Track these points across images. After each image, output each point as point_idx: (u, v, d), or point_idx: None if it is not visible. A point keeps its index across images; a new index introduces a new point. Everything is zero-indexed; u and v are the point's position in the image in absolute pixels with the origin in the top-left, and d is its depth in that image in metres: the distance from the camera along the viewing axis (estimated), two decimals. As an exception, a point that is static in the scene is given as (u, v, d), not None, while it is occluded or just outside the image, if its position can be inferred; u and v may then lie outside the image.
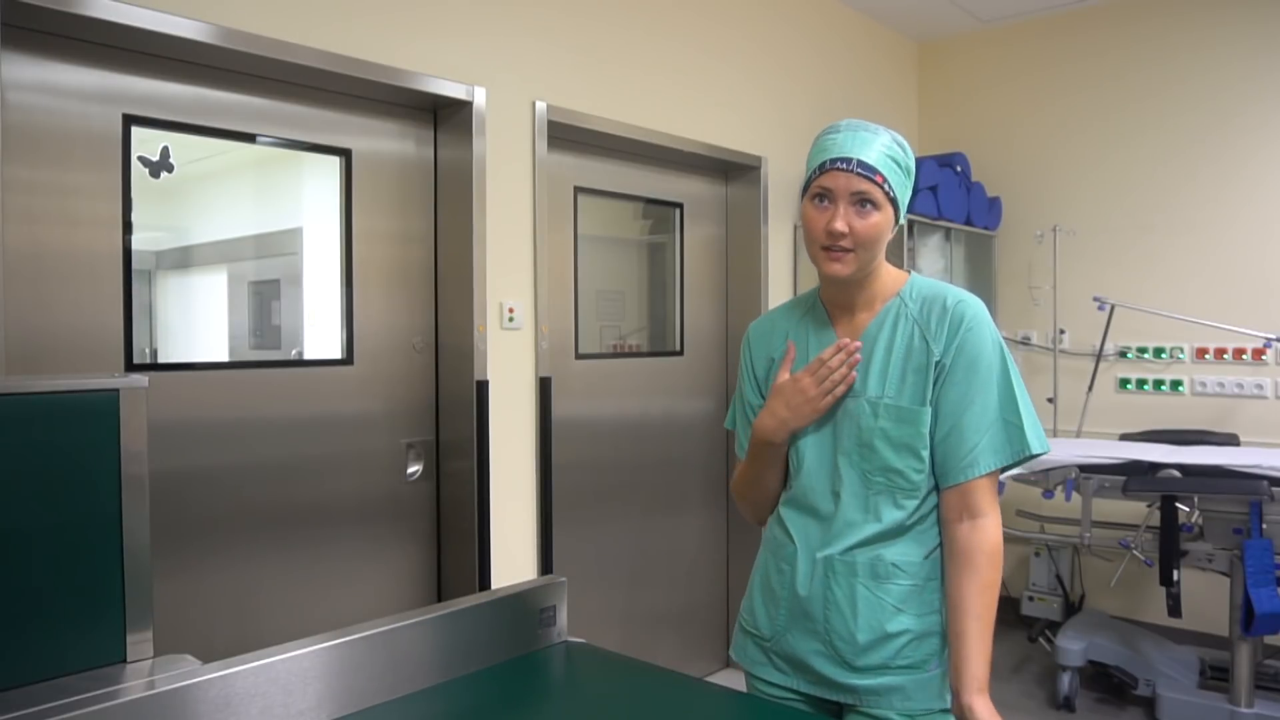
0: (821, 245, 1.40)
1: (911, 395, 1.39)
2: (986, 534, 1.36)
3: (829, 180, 1.38)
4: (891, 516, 1.40)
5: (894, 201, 1.39)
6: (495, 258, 2.70)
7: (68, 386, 1.35)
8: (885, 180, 1.37)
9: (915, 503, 1.40)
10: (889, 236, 1.42)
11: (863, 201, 1.37)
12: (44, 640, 1.31)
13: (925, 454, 1.38)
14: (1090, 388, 4.15)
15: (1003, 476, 1.48)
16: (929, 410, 1.38)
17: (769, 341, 1.57)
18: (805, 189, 1.43)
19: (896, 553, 1.40)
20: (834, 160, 1.38)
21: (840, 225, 1.36)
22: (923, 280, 1.48)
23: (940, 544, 1.42)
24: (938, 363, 1.38)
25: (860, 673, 1.40)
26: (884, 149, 1.39)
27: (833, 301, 1.51)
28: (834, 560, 1.42)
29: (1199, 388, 3.99)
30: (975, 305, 1.41)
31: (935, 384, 1.38)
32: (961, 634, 1.33)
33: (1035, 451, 1.36)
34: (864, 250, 1.39)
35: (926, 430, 1.38)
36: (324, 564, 2.49)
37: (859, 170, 1.36)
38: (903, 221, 1.46)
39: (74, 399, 1.35)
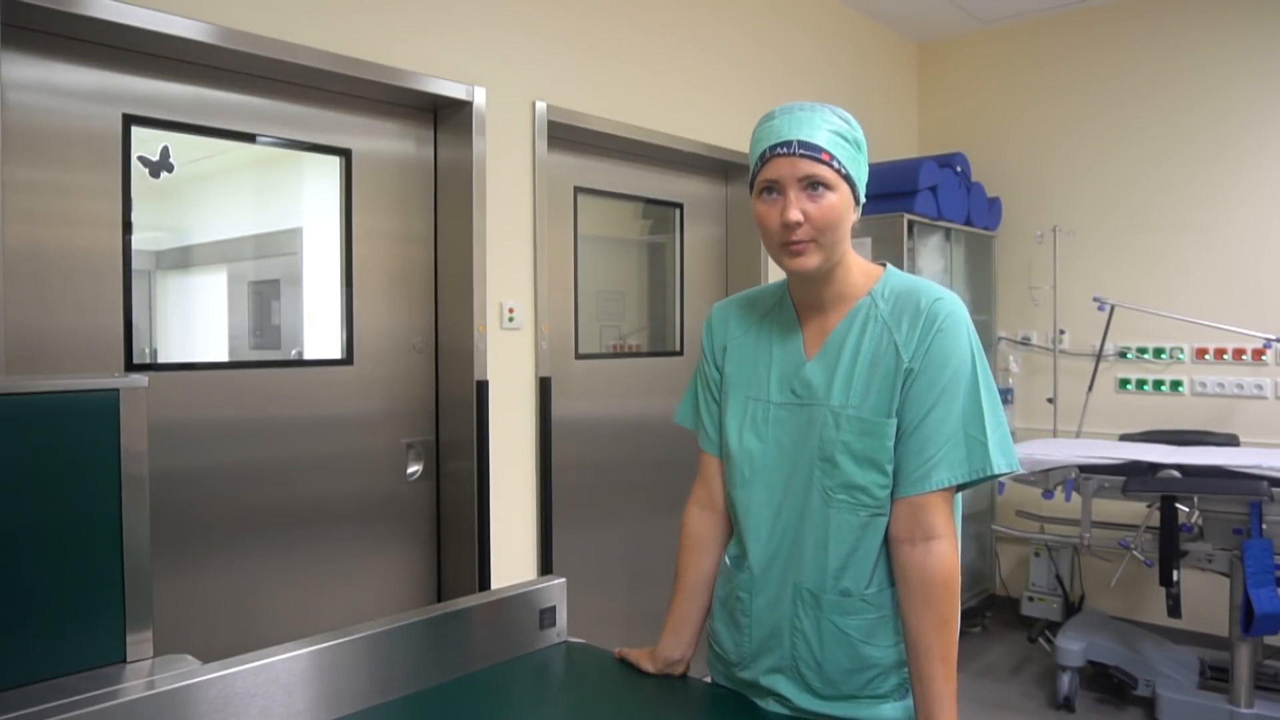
0: (780, 241, 1.29)
1: (876, 406, 1.28)
2: (940, 560, 1.24)
3: (772, 170, 1.28)
4: (855, 537, 1.29)
5: (848, 179, 1.28)
6: (495, 258, 2.70)
7: (67, 386, 1.35)
8: (833, 158, 1.26)
9: (883, 521, 1.28)
10: (852, 219, 1.31)
11: (813, 184, 1.26)
12: (44, 640, 1.31)
13: (890, 468, 1.27)
14: (1090, 388, 4.15)
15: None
16: (894, 422, 1.27)
17: (727, 326, 1.48)
18: (752, 186, 1.32)
19: (861, 580, 1.29)
20: (773, 147, 1.27)
21: (794, 214, 1.25)
22: (899, 276, 1.36)
23: None
24: (907, 369, 1.27)
25: (830, 701, 1.32)
26: (825, 125, 1.28)
27: (801, 301, 1.40)
28: (800, 589, 1.32)
29: (1199, 388, 3.99)
30: (951, 304, 1.29)
31: (902, 391, 1.27)
32: (926, 678, 1.23)
33: (999, 471, 1.25)
34: (825, 236, 1.27)
35: (891, 444, 1.27)
36: (324, 564, 2.49)
37: (801, 152, 1.25)
38: (863, 200, 1.33)
39: (74, 399, 1.35)
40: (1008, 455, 1.27)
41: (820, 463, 1.31)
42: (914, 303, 1.30)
